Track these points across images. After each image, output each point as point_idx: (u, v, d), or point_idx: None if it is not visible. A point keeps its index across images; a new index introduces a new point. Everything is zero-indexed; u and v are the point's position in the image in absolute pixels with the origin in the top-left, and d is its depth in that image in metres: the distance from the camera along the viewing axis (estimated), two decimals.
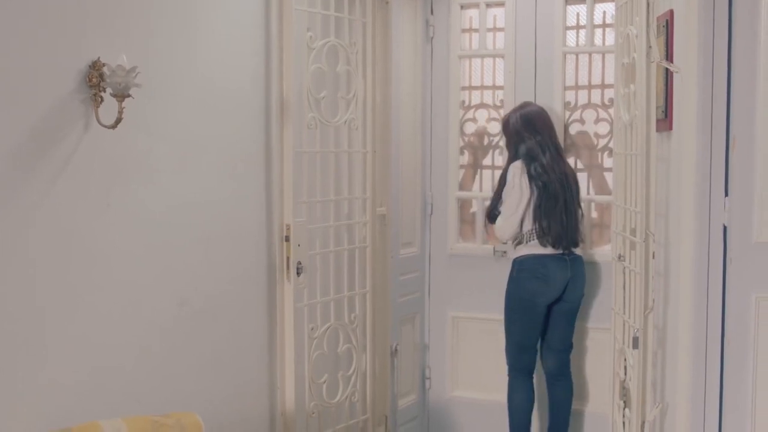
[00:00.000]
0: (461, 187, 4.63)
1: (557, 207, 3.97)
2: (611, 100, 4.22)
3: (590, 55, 4.35)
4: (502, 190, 4.08)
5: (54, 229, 2.47)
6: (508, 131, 4.13)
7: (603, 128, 4.33)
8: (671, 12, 3.14)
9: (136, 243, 2.76)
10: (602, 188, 4.34)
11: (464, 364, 4.63)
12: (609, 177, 4.24)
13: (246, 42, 3.25)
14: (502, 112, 4.44)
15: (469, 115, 4.62)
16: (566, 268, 4.01)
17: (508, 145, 4.15)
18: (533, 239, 4.01)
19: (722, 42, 2.94)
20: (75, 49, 2.50)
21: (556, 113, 4.29)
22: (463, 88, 4.61)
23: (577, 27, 4.36)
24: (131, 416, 2.50)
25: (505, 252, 4.41)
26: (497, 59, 4.54)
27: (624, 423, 3.25)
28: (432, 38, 4.57)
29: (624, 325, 3.26)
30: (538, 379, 4.24)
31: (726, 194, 2.97)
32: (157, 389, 2.85)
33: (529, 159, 4.00)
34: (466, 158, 4.65)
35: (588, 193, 4.33)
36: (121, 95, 2.48)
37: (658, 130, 3.16)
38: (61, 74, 2.47)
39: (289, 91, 3.35)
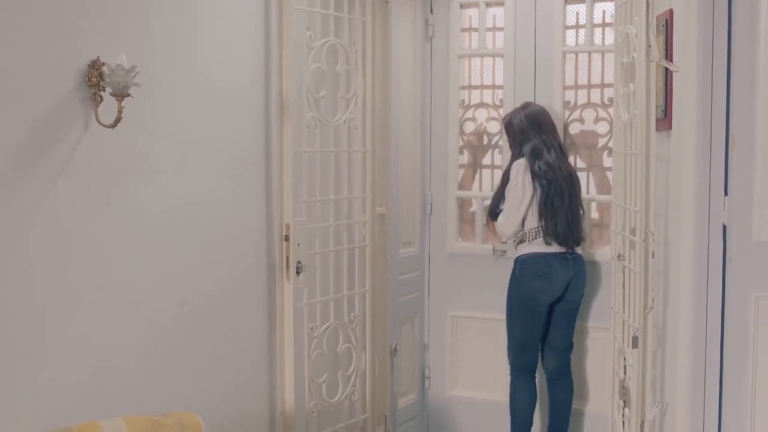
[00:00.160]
0: (461, 187, 4.63)
1: (563, 205, 3.98)
2: (611, 100, 4.22)
3: (590, 54, 4.35)
4: (504, 188, 4.09)
5: (54, 229, 2.47)
6: (512, 130, 4.13)
7: (603, 128, 4.33)
8: (671, 11, 3.14)
9: (136, 243, 2.75)
10: (604, 187, 4.34)
11: (464, 363, 4.63)
12: (611, 176, 4.24)
13: (246, 41, 3.25)
14: (502, 112, 4.45)
15: (469, 114, 4.62)
16: (568, 266, 4.02)
17: (512, 144, 4.15)
18: (538, 237, 4.01)
19: (722, 41, 2.94)
20: (74, 49, 2.50)
21: (556, 113, 4.29)
22: (463, 88, 4.61)
23: (577, 26, 4.36)
24: (131, 416, 2.50)
25: (504, 251, 4.42)
26: (497, 59, 4.54)
27: (624, 422, 3.26)
28: (432, 38, 4.57)
29: (624, 324, 3.26)
30: (539, 379, 4.24)
31: (726, 193, 2.97)
32: (157, 389, 2.84)
33: (534, 157, 4.00)
34: (465, 158, 4.65)
35: (588, 193, 4.33)
36: (121, 95, 2.48)
37: (657, 129, 3.17)
38: (61, 73, 2.47)
39: (288, 91, 3.35)
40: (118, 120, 2.51)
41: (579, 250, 4.12)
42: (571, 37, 4.38)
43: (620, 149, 3.39)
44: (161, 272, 2.86)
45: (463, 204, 4.66)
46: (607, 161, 4.29)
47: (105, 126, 2.53)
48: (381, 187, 3.94)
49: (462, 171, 4.64)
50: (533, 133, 4.05)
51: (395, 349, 4.24)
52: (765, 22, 2.89)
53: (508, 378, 4.25)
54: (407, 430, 4.49)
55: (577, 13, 4.35)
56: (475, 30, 4.56)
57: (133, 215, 2.74)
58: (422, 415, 4.67)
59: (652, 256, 3.09)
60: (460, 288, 4.59)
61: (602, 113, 4.32)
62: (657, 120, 3.16)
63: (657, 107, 3.18)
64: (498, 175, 4.43)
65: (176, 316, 2.94)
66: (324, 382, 3.59)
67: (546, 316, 4.10)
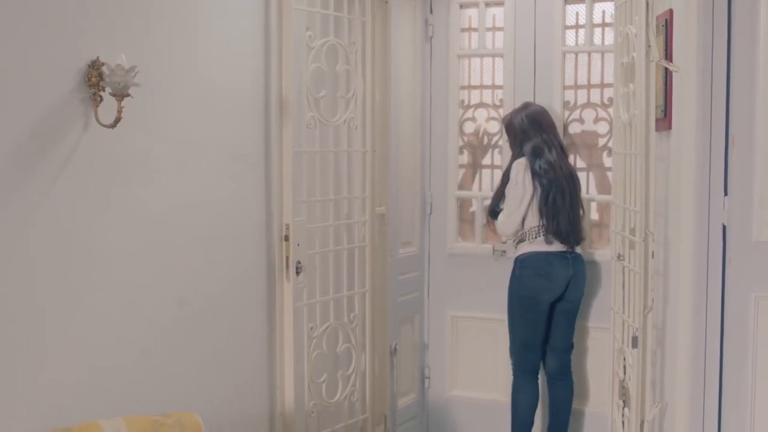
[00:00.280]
0: (460, 187, 4.63)
1: (565, 204, 3.99)
2: (610, 100, 4.22)
3: (589, 54, 4.35)
4: (504, 188, 4.09)
5: (54, 229, 2.47)
6: (512, 130, 4.13)
7: (602, 128, 4.33)
8: (670, 11, 3.14)
9: (136, 243, 2.75)
10: (604, 187, 4.34)
11: (463, 363, 4.63)
12: (611, 176, 4.24)
13: (245, 41, 3.25)
14: (502, 112, 4.45)
15: (469, 114, 4.62)
16: (568, 266, 4.02)
17: (513, 144, 4.15)
18: (539, 236, 4.01)
19: (721, 41, 2.94)
20: (74, 49, 2.50)
21: (556, 113, 4.29)
22: (463, 88, 4.61)
23: (577, 26, 4.36)
24: (131, 416, 2.50)
25: (504, 251, 4.42)
26: (496, 58, 4.54)
27: (623, 422, 3.26)
28: (431, 37, 4.57)
29: (623, 324, 3.26)
30: (540, 379, 4.23)
31: (725, 193, 2.97)
32: (156, 389, 2.85)
33: (535, 156, 4.01)
34: (465, 158, 4.65)
35: (587, 193, 4.34)
36: (121, 95, 2.48)
37: (657, 129, 3.17)
38: (61, 73, 2.47)
39: (288, 91, 3.35)
40: (117, 120, 2.51)
41: (579, 250, 4.12)
42: (570, 37, 4.38)
43: (620, 149, 3.39)
44: (161, 272, 2.86)
45: (463, 204, 4.66)
46: (608, 161, 4.29)
47: (105, 126, 2.53)
48: (381, 187, 3.94)
49: (462, 171, 4.64)
50: (534, 132, 4.05)
51: (395, 349, 4.24)
52: (765, 22, 2.89)
53: (509, 378, 4.25)
54: (407, 430, 4.49)
55: (577, 13, 4.35)
56: (475, 30, 4.56)
57: (132, 215, 2.74)
58: (422, 415, 4.67)
59: (652, 256, 3.09)
60: (459, 288, 4.59)
61: (602, 113, 4.32)
62: (657, 120, 3.16)
63: (657, 107, 3.18)
64: (498, 175, 4.43)
65: (176, 316, 2.94)
66: (324, 382, 3.59)
67: (547, 316, 4.10)
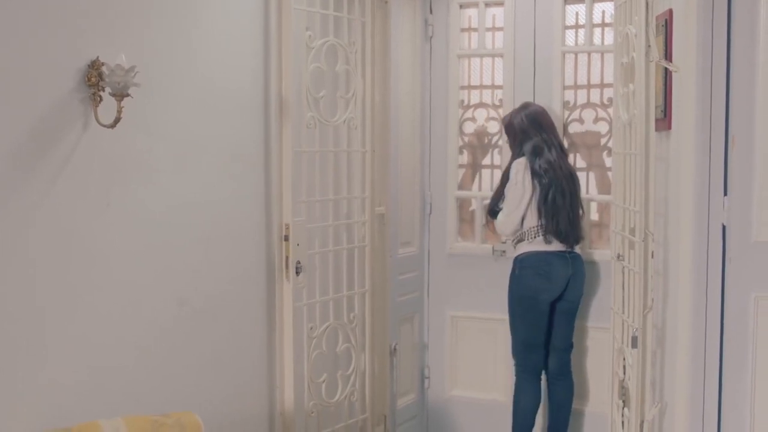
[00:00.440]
0: (460, 187, 4.63)
1: (565, 203, 3.99)
2: (610, 100, 4.22)
3: (589, 54, 4.35)
4: (504, 187, 4.09)
5: (54, 229, 2.47)
6: (512, 131, 4.13)
7: (602, 128, 4.33)
8: (670, 11, 3.14)
9: (136, 243, 2.75)
10: (604, 187, 4.34)
11: (463, 363, 4.63)
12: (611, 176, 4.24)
13: (245, 41, 3.25)
14: (502, 112, 4.45)
15: (468, 114, 4.62)
16: (567, 265, 4.02)
17: (513, 144, 4.15)
18: (538, 236, 4.01)
19: (721, 41, 2.94)
20: (74, 49, 2.50)
21: (555, 113, 4.29)
22: (462, 88, 4.61)
23: (576, 26, 4.36)
24: (131, 416, 2.50)
25: (504, 251, 4.42)
26: (496, 59, 4.54)
27: (623, 422, 3.26)
28: (431, 37, 4.57)
29: (623, 324, 3.26)
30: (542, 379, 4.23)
31: (725, 193, 2.97)
32: (156, 389, 2.85)
33: (535, 155, 4.01)
34: (465, 158, 4.65)
35: (587, 193, 4.34)
36: (120, 95, 2.48)
37: (657, 129, 3.17)
38: (60, 73, 2.47)
39: (288, 91, 3.35)
40: (117, 120, 2.51)
41: (578, 250, 4.12)
42: (570, 37, 4.38)
43: (620, 149, 3.39)
44: (161, 272, 2.86)
45: (463, 204, 4.67)
46: (608, 161, 4.29)
47: (104, 126, 2.53)
48: (380, 187, 3.94)
49: (461, 171, 4.64)
50: (534, 132, 4.06)
51: (395, 349, 4.24)
52: (764, 22, 2.89)
53: (510, 378, 4.26)
54: (407, 430, 4.49)
55: (577, 13, 4.35)
56: (475, 30, 4.56)
57: (132, 215, 2.74)
58: (422, 415, 4.67)
59: (652, 256, 3.09)
60: (459, 288, 4.59)
61: (602, 113, 4.32)
62: (656, 120, 3.16)
63: (656, 107, 3.18)
64: (498, 175, 4.43)
65: (176, 316, 2.94)
66: (323, 382, 3.59)
67: (548, 316, 4.10)
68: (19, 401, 2.38)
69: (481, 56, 4.57)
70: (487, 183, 4.59)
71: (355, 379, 3.77)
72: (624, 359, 3.23)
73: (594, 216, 4.39)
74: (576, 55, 4.37)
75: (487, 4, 4.51)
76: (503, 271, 4.21)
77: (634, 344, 3.09)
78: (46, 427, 2.42)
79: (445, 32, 4.55)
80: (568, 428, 4.21)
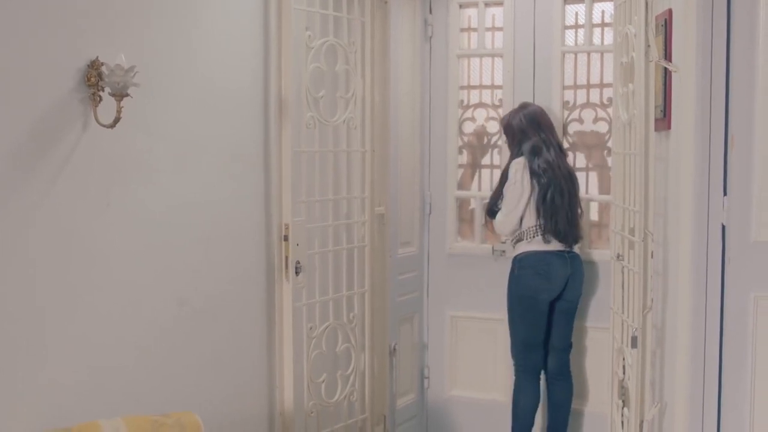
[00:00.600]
0: (460, 187, 4.63)
1: (564, 203, 3.99)
2: (610, 100, 4.22)
3: (589, 54, 4.35)
4: (502, 187, 4.10)
5: (54, 229, 2.47)
6: (511, 131, 4.13)
7: (602, 127, 4.33)
8: (670, 11, 3.14)
9: (136, 243, 2.75)
10: (605, 187, 4.34)
11: (463, 363, 4.63)
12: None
13: (245, 41, 3.25)
14: (501, 112, 4.45)
15: (468, 114, 4.62)
16: (566, 265, 4.03)
17: (511, 144, 4.15)
18: (537, 236, 4.02)
19: (721, 41, 2.94)
20: (73, 48, 2.50)
21: (555, 112, 4.29)
22: (462, 88, 4.61)
23: (576, 26, 4.36)
24: (131, 416, 2.50)
25: (504, 251, 4.42)
26: (496, 58, 4.54)
27: (623, 422, 3.26)
28: (431, 37, 4.57)
29: (623, 324, 3.26)
30: (541, 379, 4.24)
31: (724, 193, 2.97)
32: (156, 389, 2.85)
33: (534, 155, 4.01)
34: (464, 157, 4.65)
35: (587, 192, 4.34)
36: (120, 95, 2.48)
37: (656, 129, 3.17)
38: (60, 73, 2.47)
39: (287, 91, 3.35)
40: (117, 120, 2.51)
41: (576, 249, 4.12)
42: (570, 37, 4.38)
43: (619, 149, 3.39)
44: (161, 272, 2.86)
45: (463, 204, 4.67)
46: (608, 161, 4.29)
47: (104, 126, 2.53)
48: (380, 187, 3.94)
49: (461, 171, 4.65)
50: (533, 132, 4.06)
51: (394, 349, 4.24)
52: (764, 23, 2.89)
53: (509, 378, 4.26)
54: (406, 430, 4.49)
55: (576, 13, 4.35)
56: (474, 30, 4.56)
57: (132, 215, 2.74)
58: (421, 415, 4.67)
59: (651, 256, 3.09)
60: (459, 288, 4.59)
61: (601, 113, 4.33)
62: (656, 120, 3.16)
63: (656, 107, 3.18)
64: (497, 174, 4.43)
65: (176, 316, 2.94)
66: (323, 382, 3.59)
67: (547, 315, 4.10)
68: (19, 401, 2.38)
69: (481, 56, 4.58)
70: (486, 183, 4.59)
71: (354, 379, 3.77)
72: (623, 359, 3.23)
73: (594, 216, 4.39)
74: (575, 55, 4.37)
75: (486, 4, 4.51)
76: (503, 271, 4.21)
77: (634, 344, 3.09)
78: (46, 427, 2.42)
79: (444, 32, 4.56)
80: (567, 428, 4.21)
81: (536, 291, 4.03)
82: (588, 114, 4.36)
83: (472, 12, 4.57)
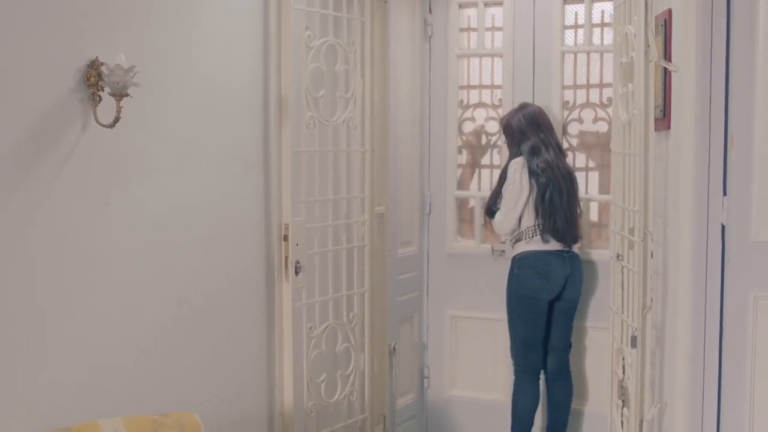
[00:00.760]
0: (460, 186, 4.64)
1: (562, 202, 3.99)
2: (609, 100, 4.22)
3: (588, 54, 4.35)
4: (501, 187, 4.10)
5: (53, 229, 2.47)
6: (510, 131, 4.14)
7: (601, 127, 4.34)
8: (669, 11, 3.14)
9: (136, 242, 2.75)
10: (605, 187, 4.34)
11: (463, 363, 4.63)
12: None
13: (245, 41, 3.25)
14: (501, 112, 4.45)
15: (468, 114, 4.62)
16: (565, 264, 4.03)
17: (510, 144, 4.16)
18: (536, 235, 4.02)
19: (720, 41, 2.94)
20: (73, 48, 2.50)
21: (554, 112, 4.29)
22: (462, 88, 4.61)
23: (576, 26, 4.36)
24: (131, 416, 2.50)
25: (503, 251, 4.42)
26: (496, 58, 4.54)
27: (622, 422, 3.26)
28: (430, 37, 4.57)
29: (622, 324, 3.26)
30: (541, 379, 4.23)
31: (724, 193, 2.97)
32: (156, 389, 2.85)
33: (533, 155, 4.01)
34: (464, 157, 4.65)
35: (587, 192, 4.34)
36: (120, 94, 2.48)
37: (656, 129, 3.17)
38: (60, 73, 2.46)
39: (287, 91, 3.35)
40: (116, 120, 2.51)
41: (576, 249, 4.13)
42: (569, 37, 4.38)
43: (619, 149, 3.39)
44: (161, 272, 2.86)
45: (462, 204, 4.67)
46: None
47: (104, 126, 2.53)
48: (380, 187, 3.95)
49: (461, 171, 4.65)
50: (532, 132, 4.06)
51: (394, 348, 4.24)
52: (764, 22, 2.89)
53: (509, 378, 4.26)
54: (406, 430, 4.49)
55: (576, 13, 4.36)
56: (474, 30, 4.56)
57: (132, 215, 2.74)
58: (421, 415, 4.67)
59: (651, 256, 3.09)
60: (459, 288, 4.59)
61: (601, 113, 4.33)
62: (656, 120, 3.16)
63: (656, 107, 3.18)
64: (497, 174, 4.43)
65: (176, 316, 2.94)
66: (323, 381, 3.59)
67: (546, 315, 4.10)
68: (19, 401, 2.38)
69: (481, 56, 4.58)
70: (486, 183, 4.59)
71: (354, 378, 3.77)
72: (623, 359, 3.24)
73: (593, 216, 4.39)
74: (575, 54, 4.37)
75: (486, 4, 4.51)
76: (503, 271, 4.21)
77: (634, 344, 3.09)
78: (46, 427, 2.42)
79: (444, 32, 4.56)
80: (567, 428, 4.21)
81: (535, 291, 4.03)
82: (588, 114, 4.36)
83: (471, 12, 4.57)
